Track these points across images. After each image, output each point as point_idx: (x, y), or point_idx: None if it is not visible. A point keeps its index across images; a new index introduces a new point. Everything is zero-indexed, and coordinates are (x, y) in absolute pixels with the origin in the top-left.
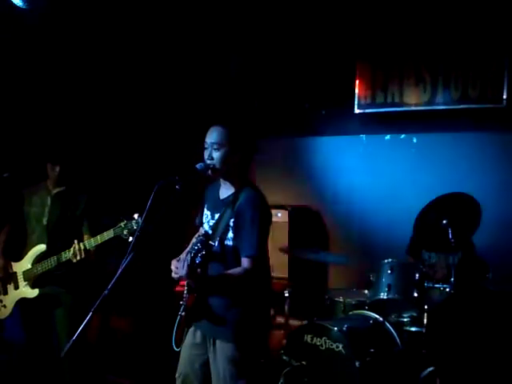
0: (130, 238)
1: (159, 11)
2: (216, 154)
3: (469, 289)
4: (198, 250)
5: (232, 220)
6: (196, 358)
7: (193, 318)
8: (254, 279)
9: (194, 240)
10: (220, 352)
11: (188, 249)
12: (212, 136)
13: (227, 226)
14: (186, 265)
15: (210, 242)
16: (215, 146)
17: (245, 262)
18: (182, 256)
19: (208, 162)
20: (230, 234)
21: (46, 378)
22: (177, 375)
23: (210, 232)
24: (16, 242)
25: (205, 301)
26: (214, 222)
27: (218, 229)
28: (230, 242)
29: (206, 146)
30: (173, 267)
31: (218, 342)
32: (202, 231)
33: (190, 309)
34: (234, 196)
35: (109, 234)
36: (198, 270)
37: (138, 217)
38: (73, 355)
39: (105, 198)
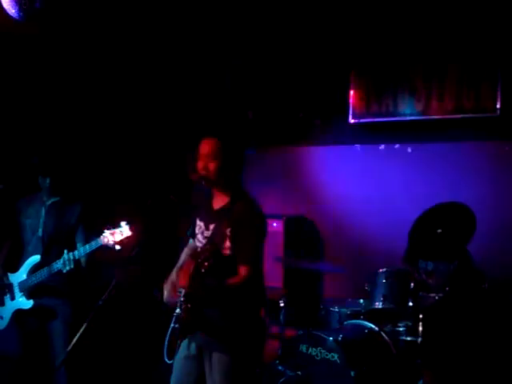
0: (117, 247)
1: (154, 21)
2: (211, 166)
3: (461, 296)
4: (205, 259)
5: (229, 230)
6: (191, 370)
7: (188, 330)
8: (251, 288)
9: (183, 254)
10: (216, 364)
11: (179, 263)
12: (206, 148)
13: (224, 236)
14: (190, 275)
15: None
16: (210, 158)
17: (243, 270)
18: (172, 277)
19: (203, 173)
20: (227, 244)
21: None
22: None
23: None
24: (12, 253)
25: (201, 312)
26: (209, 232)
27: (215, 238)
28: (227, 251)
29: (200, 157)
30: (165, 291)
31: (214, 354)
32: (192, 243)
33: (185, 321)
34: (230, 206)
35: (96, 243)
36: (202, 279)
37: (126, 224)
38: (68, 367)
39: (100, 207)
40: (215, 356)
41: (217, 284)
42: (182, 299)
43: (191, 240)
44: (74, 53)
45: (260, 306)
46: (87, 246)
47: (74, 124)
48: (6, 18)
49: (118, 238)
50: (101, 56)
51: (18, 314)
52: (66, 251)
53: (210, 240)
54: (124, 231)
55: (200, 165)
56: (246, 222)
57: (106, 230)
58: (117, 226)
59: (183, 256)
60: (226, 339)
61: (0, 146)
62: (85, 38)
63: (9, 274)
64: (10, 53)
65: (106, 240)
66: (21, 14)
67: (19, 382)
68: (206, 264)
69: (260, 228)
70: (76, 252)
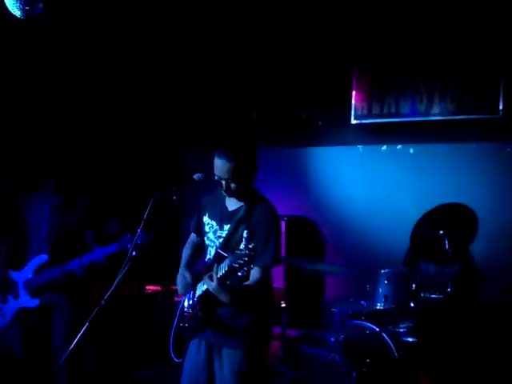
0: (134, 253)
1: (153, 19)
2: (233, 185)
3: (462, 298)
4: (242, 265)
5: (246, 232)
6: (201, 371)
7: (198, 329)
8: (263, 288)
9: (186, 249)
10: (227, 360)
11: (185, 258)
12: (223, 171)
13: (241, 237)
14: (215, 277)
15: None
16: (230, 180)
17: (258, 271)
18: (184, 273)
19: (226, 191)
20: (243, 244)
21: None
22: None
23: (220, 242)
24: (16, 251)
25: (213, 311)
26: (224, 232)
27: (232, 239)
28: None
29: (218, 178)
30: (179, 285)
31: (224, 350)
32: (194, 238)
33: (197, 320)
34: (248, 208)
35: (114, 248)
36: (228, 282)
37: (143, 230)
38: (70, 366)
39: (105, 205)
40: (226, 352)
41: (240, 287)
42: (196, 300)
43: (193, 234)
44: (75, 52)
45: (270, 306)
46: (104, 250)
47: (76, 125)
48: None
49: (137, 243)
50: (101, 55)
51: (20, 311)
52: (85, 258)
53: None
54: (141, 237)
55: (222, 185)
56: (265, 226)
57: (124, 237)
58: (135, 233)
59: (187, 251)
60: (238, 336)
61: (4, 145)
62: (84, 35)
63: (11, 271)
64: (14, 53)
65: (124, 246)
66: (24, 13)
67: (21, 380)
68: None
69: (278, 231)
70: (91, 255)
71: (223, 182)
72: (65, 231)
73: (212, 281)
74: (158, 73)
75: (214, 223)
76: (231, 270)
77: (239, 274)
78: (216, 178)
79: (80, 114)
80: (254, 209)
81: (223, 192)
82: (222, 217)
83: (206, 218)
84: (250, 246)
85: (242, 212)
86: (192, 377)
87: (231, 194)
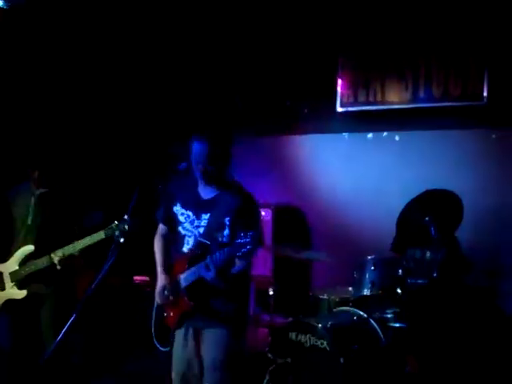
0: (122, 240)
1: (136, 12)
2: (210, 169)
3: (448, 283)
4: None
5: (228, 219)
6: (193, 357)
7: (185, 317)
8: (246, 274)
9: (158, 242)
10: (212, 338)
11: (159, 256)
12: (200, 154)
13: (222, 225)
14: (212, 266)
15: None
16: (206, 163)
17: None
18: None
19: (203, 175)
20: (226, 232)
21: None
22: (173, 375)
23: (200, 231)
24: (1, 243)
25: (202, 299)
26: (203, 221)
27: (212, 228)
28: (224, 239)
29: (194, 158)
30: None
31: (211, 330)
32: (163, 229)
33: (184, 309)
34: (226, 195)
35: (99, 236)
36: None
37: (129, 217)
38: (57, 358)
39: (90, 196)
40: (212, 331)
41: (229, 276)
42: (183, 291)
43: (162, 226)
44: (62, 43)
45: (248, 283)
46: (88, 239)
47: (60, 117)
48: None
49: (124, 230)
50: (87, 46)
51: (8, 303)
52: (68, 246)
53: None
54: (128, 224)
55: (199, 168)
56: (247, 212)
57: (112, 224)
58: (121, 219)
59: (158, 244)
60: (224, 317)
61: None
62: (69, 25)
63: None
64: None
65: (110, 232)
66: (5, 2)
67: (9, 372)
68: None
69: (259, 217)
70: (76, 244)
71: (200, 166)
72: (50, 222)
73: (209, 270)
74: (142, 63)
75: (191, 213)
76: (231, 259)
77: (236, 261)
78: (194, 163)
79: (64, 107)
80: (232, 196)
81: (202, 178)
82: (198, 206)
83: (177, 208)
84: (249, 234)
85: (220, 200)
86: (184, 364)
87: (208, 179)
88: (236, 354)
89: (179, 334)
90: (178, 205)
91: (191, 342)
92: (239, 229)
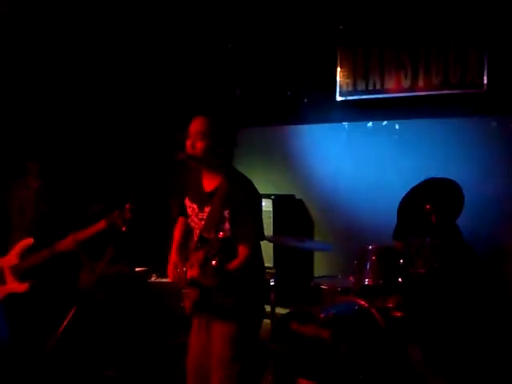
0: (123, 228)
1: (141, 3)
2: (199, 144)
3: (450, 272)
4: (214, 256)
5: (227, 212)
6: (203, 348)
7: (197, 307)
8: (253, 265)
9: (176, 232)
10: (220, 333)
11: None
12: (195, 126)
13: (222, 218)
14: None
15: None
16: (199, 136)
17: (244, 249)
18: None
19: (190, 151)
20: (227, 226)
21: (34, 376)
22: (188, 363)
23: (203, 224)
24: (0, 237)
25: (208, 293)
26: (204, 214)
27: (213, 220)
28: (226, 233)
29: (189, 135)
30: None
31: (219, 324)
32: (183, 220)
33: (194, 302)
34: (226, 187)
35: (101, 225)
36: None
37: (130, 207)
38: (59, 350)
39: (89, 188)
40: (220, 324)
41: (227, 274)
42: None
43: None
44: (59, 40)
45: (262, 284)
46: (90, 229)
47: (60, 109)
48: None
49: (125, 219)
50: (84, 42)
51: (9, 297)
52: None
53: (216, 237)
54: (129, 213)
55: (188, 143)
56: (246, 204)
57: (114, 213)
58: (122, 208)
59: (177, 228)
60: (231, 310)
61: None
62: (64, 21)
63: None
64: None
65: (112, 220)
66: None
67: (11, 366)
68: (214, 262)
69: (259, 208)
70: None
71: (190, 140)
72: (49, 214)
73: (199, 270)
74: (142, 53)
75: (195, 206)
76: (208, 260)
77: (212, 263)
78: (188, 136)
79: (63, 98)
80: (232, 187)
81: (202, 161)
82: (201, 199)
83: (187, 201)
84: (250, 227)
85: (220, 192)
86: (197, 353)
87: (195, 157)
88: (243, 350)
89: (195, 323)
90: (187, 198)
91: (203, 333)
92: (240, 221)
